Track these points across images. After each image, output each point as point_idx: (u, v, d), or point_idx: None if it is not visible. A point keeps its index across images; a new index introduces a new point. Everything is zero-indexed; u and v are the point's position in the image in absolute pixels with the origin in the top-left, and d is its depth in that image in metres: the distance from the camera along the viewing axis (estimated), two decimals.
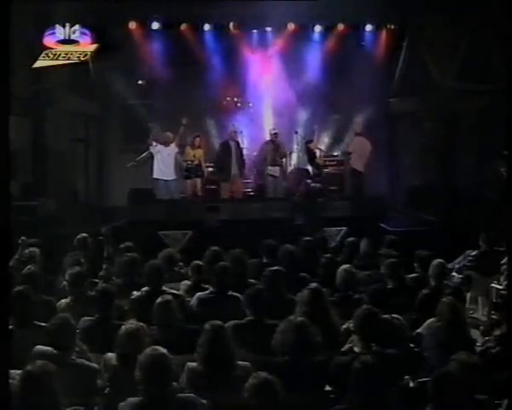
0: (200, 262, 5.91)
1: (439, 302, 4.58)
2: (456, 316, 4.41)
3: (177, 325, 4.51)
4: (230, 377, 3.69)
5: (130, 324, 3.92)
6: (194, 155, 11.76)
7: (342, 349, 4.22)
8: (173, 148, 11.22)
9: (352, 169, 11.89)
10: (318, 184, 11.61)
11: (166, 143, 11.11)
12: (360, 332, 4.10)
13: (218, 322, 3.94)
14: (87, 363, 4.01)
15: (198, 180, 11.95)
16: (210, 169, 12.26)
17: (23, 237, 6.56)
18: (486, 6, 10.35)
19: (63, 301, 5.16)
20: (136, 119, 13.02)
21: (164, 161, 11.10)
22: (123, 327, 3.90)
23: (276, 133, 11.78)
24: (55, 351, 3.93)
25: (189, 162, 11.73)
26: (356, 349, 4.08)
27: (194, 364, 3.85)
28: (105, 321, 4.58)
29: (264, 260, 6.56)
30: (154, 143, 11.04)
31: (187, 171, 11.70)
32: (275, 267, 5.47)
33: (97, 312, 4.66)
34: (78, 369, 3.89)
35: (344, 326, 4.43)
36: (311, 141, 11.97)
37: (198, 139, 11.90)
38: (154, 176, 11.18)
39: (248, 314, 4.61)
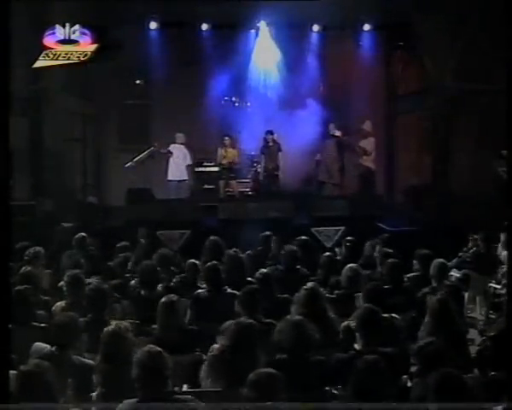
0: (195, 261, 5.91)
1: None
2: (442, 313, 4.36)
3: (180, 325, 4.49)
4: None
5: (114, 323, 3.92)
6: (230, 154, 11.41)
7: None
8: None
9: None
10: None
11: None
12: (362, 330, 4.10)
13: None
14: (83, 360, 4.02)
15: (233, 182, 11.62)
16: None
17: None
18: (485, 5, 10.36)
19: (59, 303, 5.12)
20: (134, 119, 13.01)
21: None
22: (106, 328, 3.89)
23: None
24: (52, 348, 3.95)
25: (223, 164, 11.36)
26: (356, 347, 4.09)
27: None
28: (99, 321, 4.53)
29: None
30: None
31: (220, 172, 11.31)
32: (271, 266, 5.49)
33: (91, 311, 4.65)
34: (75, 366, 3.90)
35: (344, 324, 4.43)
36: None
37: (227, 138, 11.57)
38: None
39: (242, 314, 4.60)
